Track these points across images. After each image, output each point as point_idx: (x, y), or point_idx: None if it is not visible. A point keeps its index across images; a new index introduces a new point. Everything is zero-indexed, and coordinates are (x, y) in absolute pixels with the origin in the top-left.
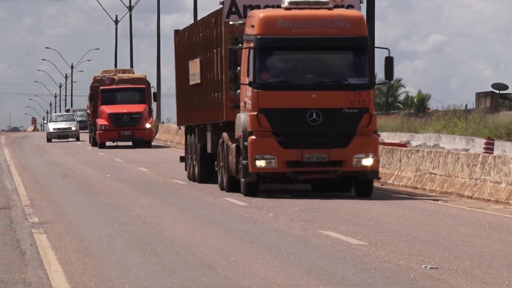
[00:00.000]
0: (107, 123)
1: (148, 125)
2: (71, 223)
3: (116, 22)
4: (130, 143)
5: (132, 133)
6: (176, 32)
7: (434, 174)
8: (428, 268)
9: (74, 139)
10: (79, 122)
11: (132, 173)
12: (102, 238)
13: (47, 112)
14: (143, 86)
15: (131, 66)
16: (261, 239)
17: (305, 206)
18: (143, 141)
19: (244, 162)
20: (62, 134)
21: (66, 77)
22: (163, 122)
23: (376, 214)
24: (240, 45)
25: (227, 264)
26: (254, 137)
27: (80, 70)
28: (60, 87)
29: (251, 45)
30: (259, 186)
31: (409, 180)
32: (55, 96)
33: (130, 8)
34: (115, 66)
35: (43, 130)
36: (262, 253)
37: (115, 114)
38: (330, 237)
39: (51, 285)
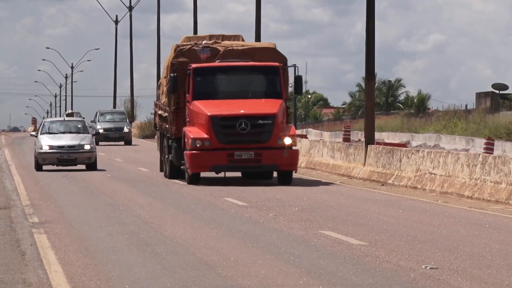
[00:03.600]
0: (206, 136)
1: (288, 140)
2: (71, 223)
3: (116, 22)
4: (239, 174)
5: (257, 156)
6: None
7: (434, 174)
8: (428, 268)
9: (85, 167)
10: (110, 131)
11: (132, 173)
12: (102, 238)
13: (47, 112)
14: (276, 64)
15: (131, 66)
16: (261, 239)
17: (305, 206)
18: (278, 171)
19: None
20: (65, 158)
21: (66, 77)
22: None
23: (376, 214)
24: None
25: (227, 264)
26: None
27: (80, 70)
28: (60, 87)
29: None
30: None
31: (409, 180)
32: (55, 96)
33: (130, 8)
34: (115, 66)
35: None
36: (262, 253)
37: (224, 117)
38: (330, 237)
39: (51, 285)
